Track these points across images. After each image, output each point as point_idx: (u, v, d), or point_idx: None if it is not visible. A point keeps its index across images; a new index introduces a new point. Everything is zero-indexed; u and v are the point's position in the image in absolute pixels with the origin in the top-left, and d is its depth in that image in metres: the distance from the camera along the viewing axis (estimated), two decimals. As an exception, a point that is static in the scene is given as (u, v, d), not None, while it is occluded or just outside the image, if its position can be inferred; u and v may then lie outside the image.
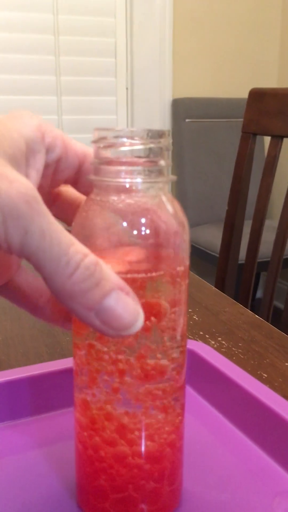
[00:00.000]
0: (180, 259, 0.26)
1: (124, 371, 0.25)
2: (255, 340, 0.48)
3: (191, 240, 1.93)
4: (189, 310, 0.55)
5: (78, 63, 1.91)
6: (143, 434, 0.26)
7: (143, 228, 0.25)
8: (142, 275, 0.25)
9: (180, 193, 2.09)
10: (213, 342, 0.48)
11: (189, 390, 0.39)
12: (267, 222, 1.07)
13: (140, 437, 0.26)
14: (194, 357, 0.39)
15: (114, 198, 0.25)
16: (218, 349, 0.46)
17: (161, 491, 0.27)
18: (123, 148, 0.26)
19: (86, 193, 0.28)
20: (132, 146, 0.26)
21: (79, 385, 0.27)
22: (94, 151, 0.26)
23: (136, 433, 0.26)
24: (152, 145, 0.26)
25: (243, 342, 0.48)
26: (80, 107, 1.94)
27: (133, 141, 0.26)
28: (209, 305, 0.56)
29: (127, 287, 0.22)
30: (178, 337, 0.26)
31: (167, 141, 0.27)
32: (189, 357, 0.39)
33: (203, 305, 0.56)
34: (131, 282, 0.24)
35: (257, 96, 1.06)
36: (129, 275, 0.25)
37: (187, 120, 2.04)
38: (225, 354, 0.46)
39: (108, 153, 0.26)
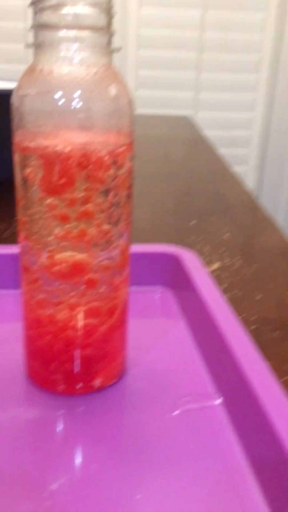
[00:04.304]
0: (120, 138, 0.25)
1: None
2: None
3: None
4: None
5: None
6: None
7: (75, 101, 0.24)
8: (81, 151, 0.24)
9: None
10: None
11: (164, 290, 0.38)
12: None
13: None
14: (175, 262, 0.37)
15: (50, 67, 0.25)
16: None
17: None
18: (62, 11, 0.25)
19: None
20: (72, 7, 0.25)
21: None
22: (32, 15, 0.25)
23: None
24: (91, 9, 0.25)
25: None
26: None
27: (73, 3, 0.25)
28: None
29: None
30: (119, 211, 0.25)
31: (111, 5, 0.25)
32: (170, 261, 0.38)
33: None
34: (68, 158, 0.24)
35: None
36: (66, 150, 0.24)
37: None
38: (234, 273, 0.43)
39: (45, 17, 0.25)
